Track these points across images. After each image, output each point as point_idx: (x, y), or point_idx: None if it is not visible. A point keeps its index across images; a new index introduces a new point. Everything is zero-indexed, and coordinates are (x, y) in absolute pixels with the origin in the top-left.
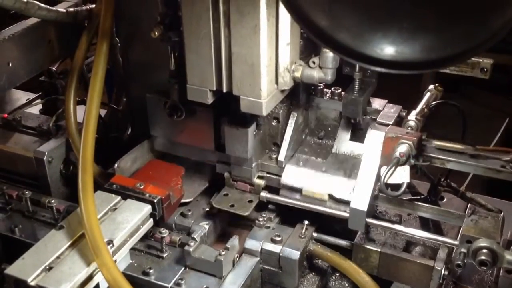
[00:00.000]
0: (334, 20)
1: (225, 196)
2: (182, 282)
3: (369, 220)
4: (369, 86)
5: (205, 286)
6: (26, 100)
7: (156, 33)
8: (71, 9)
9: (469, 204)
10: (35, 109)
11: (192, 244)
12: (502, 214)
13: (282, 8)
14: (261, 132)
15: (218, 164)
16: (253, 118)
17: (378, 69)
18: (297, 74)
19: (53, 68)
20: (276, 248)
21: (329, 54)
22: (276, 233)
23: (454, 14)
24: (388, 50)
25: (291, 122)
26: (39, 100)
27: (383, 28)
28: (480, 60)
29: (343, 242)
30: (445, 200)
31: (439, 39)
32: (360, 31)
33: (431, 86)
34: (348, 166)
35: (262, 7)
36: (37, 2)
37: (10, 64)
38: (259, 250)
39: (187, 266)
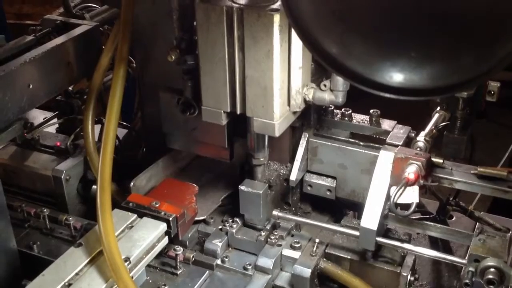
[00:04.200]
0: (345, 49)
1: None
2: (226, 259)
3: (379, 239)
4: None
5: (247, 262)
6: (44, 119)
7: (173, 57)
8: None
9: (477, 224)
10: (52, 128)
11: (234, 226)
12: (510, 233)
13: (294, 33)
14: (273, 192)
15: None
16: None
17: (387, 95)
18: (309, 97)
19: (70, 88)
20: (295, 254)
21: (339, 78)
22: (295, 240)
23: (460, 43)
24: (396, 77)
25: (302, 143)
26: (56, 119)
27: (392, 57)
28: (488, 83)
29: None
30: (454, 219)
31: (446, 67)
32: (370, 59)
33: (439, 108)
34: None
35: (275, 33)
36: None
37: (31, 86)
38: (271, 267)
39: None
